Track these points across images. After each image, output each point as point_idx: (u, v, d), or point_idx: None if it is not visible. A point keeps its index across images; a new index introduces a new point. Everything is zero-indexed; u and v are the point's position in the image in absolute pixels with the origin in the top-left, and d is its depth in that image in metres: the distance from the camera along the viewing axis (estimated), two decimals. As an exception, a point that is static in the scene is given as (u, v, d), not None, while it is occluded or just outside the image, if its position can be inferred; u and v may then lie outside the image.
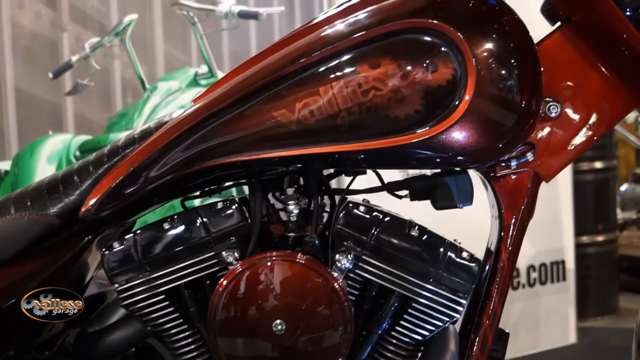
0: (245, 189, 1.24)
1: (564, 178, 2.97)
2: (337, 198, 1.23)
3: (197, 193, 1.25)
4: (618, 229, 3.99)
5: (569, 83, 1.17)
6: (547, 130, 1.16)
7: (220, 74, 2.64)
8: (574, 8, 1.15)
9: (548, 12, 1.20)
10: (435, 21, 1.05)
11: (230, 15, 2.58)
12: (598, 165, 3.44)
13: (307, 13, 2.69)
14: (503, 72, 1.06)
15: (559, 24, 1.19)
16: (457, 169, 1.16)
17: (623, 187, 5.26)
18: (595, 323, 3.37)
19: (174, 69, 2.72)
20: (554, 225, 2.98)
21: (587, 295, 3.37)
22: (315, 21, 1.18)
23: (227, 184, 1.24)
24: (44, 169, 2.64)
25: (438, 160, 1.09)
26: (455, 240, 1.21)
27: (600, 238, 3.47)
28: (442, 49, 1.05)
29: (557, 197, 2.98)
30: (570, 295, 3.04)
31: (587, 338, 3.10)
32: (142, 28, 2.63)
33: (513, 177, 1.17)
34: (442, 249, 1.13)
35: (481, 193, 1.22)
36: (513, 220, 1.18)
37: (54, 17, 2.61)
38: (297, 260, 1.11)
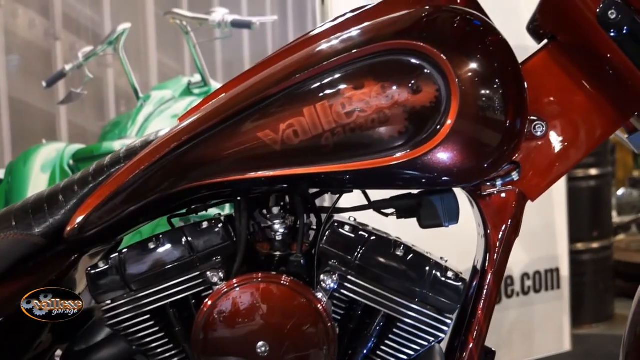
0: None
1: (559, 186, 2.97)
2: (323, 216, 1.23)
3: (184, 211, 1.24)
4: (613, 234, 3.99)
5: (554, 102, 1.17)
6: (532, 149, 1.16)
7: (214, 83, 2.64)
8: (559, 27, 1.15)
9: (534, 30, 1.20)
10: (419, 43, 1.05)
11: (223, 24, 2.58)
12: (593, 172, 3.45)
13: (300, 22, 2.68)
14: (487, 92, 1.06)
15: (545, 42, 1.19)
16: (443, 188, 1.16)
17: (620, 192, 5.27)
18: (590, 330, 3.37)
19: (167, 78, 2.71)
20: (548, 233, 2.99)
21: (582, 302, 3.37)
22: (306, 37, 1.18)
23: (214, 202, 1.23)
24: (37, 178, 2.64)
25: (424, 180, 1.09)
26: (442, 258, 1.21)
27: (595, 245, 3.47)
28: (426, 70, 1.05)
29: (551, 205, 2.98)
30: (565, 303, 3.03)
31: (581, 345, 3.10)
32: (135, 37, 2.62)
33: (499, 196, 1.17)
34: (427, 269, 1.13)
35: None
36: (499, 239, 1.18)
37: (48, 25, 2.61)
38: (282, 282, 1.11)
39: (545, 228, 2.96)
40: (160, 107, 2.63)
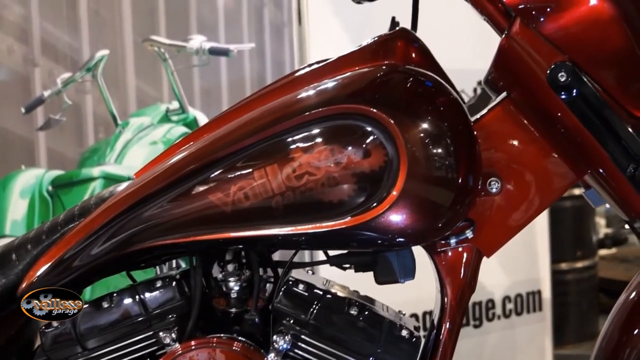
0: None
1: (540, 208, 2.96)
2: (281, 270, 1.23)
3: (142, 265, 1.24)
4: (604, 246, 3.99)
5: (509, 158, 1.16)
6: (487, 206, 1.16)
7: (192, 110, 2.65)
8: (511, 85, 1.15)
9: (491, 83, 1.20)
10: (368, 107, 1.05)
11: (201, 51, 2.58)
12: (577, 191, 3.44)
13: (277, 50, 2.68)
14: (436, 153, 1.06)
15: (503, 95, 1.18)
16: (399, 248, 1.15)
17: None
18: (573, 350, 3.37)
19: (146, 105, 2.72)
20: (530, 255, 2.98)
21: (566, 322, 3.37)
22: (264, 91, 1.18)
23: (168, 257, 1.23)
24: (16, 203, 2.64)
25: (378, 241, 1.09)
26: (399, 312, 1.21)
27: (579, 264, 3.48)
28: (375, 135, 1.05)
29: (533, 226, 2.96)
30: (547, 325, 3.04)
31: (563, 366, 3.11)
32: (113, 63, 2.62)
33: (454, 252, 1.17)
34: (381, 327, 1.13)
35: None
36: (454, 295, 1.17)
37: (26, 52, 2.61)
38: (233, 348, 1.11)
39: (527, 250, 2.96)
40: (139, 133, 2.63)
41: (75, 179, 2.62)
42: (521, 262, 2.93)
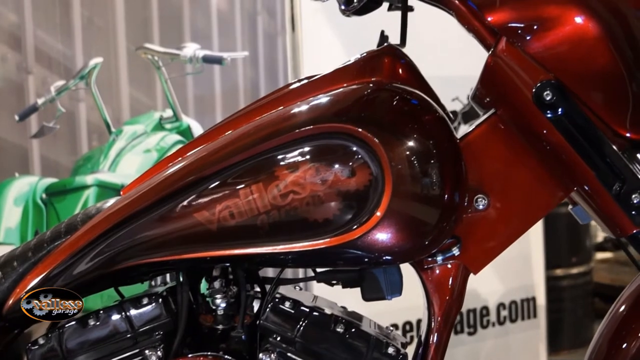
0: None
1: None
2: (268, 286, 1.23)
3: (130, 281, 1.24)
4: (601, 249, 3.98)
5: (496, 175, 1.16)
6: (474, 223, 1.16)
7: (185, 118, 2.65)
8: (498, 102, 1.15)
9: (477, 100, 1.20)
10: (354, 127, 1.05)
11: (194, 59, 2.58)
12: (572, 197, 3.44)
13: (270, 58, 2.68)
14: (421, 172, 1.06)
15: (491, 112, 1.18)
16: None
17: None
18: (568, 356, 3.37)
19: (139, 113, 2.72)
20: (524, 262, 2.99)
21: (561, 328, 3.37)
22: (252, 107, 1.18)
23: (157, 273, 1.23)
24: (10, 211, 2.64)
25: (366, 259, 1.09)
26: (387, 327, 1.21)
27: (574, 270, 3.48)
28: (360, 154, 1.05)
29: (527, 233, 2.96)
30: (542, 331, 3.04)
31: (558, 373, 3.11)
32: (107, 71, 2.62)
33: (441, 269, 1.17)
34: (367, 345, 1.13)
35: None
36: (441, 312, 1.17)
37: (20, 59, 2.60)
38: None
39: (521, 257, 2.97)
40: (132, 141, 2.63)
41: (69, 186, 2.62)
42: (515, 268, 2.94)
